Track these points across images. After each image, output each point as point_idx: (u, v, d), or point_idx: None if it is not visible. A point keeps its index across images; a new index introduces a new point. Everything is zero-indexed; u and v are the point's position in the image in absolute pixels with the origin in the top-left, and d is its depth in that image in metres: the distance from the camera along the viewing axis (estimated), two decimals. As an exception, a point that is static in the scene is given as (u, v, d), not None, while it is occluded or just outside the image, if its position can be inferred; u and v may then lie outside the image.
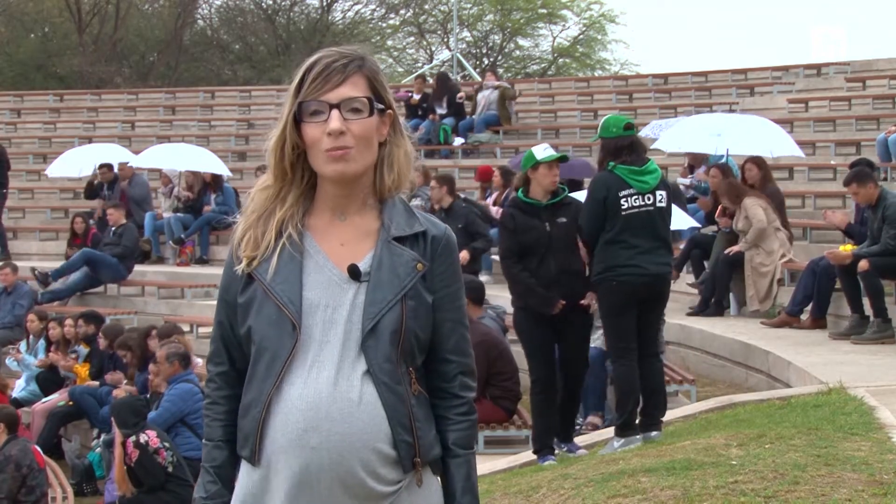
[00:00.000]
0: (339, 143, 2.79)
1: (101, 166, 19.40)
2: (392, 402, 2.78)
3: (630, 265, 7.86)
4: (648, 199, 7.91)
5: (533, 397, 8.27)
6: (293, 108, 2.82)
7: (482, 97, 21.69)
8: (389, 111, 2.87)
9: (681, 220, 12.14)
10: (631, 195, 7.89)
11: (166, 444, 9.38)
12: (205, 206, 18.82)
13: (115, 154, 20.15)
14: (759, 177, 13.23)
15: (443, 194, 13.58)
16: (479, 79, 26.56)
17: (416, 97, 22.14)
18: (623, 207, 7.87)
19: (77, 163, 19.85)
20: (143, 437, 9.28)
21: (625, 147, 7.96)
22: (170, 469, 9.28)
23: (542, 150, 8.26)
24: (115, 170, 19.33)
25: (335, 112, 2.79)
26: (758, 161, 13.52)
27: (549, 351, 8.28)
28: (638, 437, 7.85)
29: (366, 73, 2.84)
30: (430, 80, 25.38)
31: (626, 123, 8.05)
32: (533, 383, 8.24)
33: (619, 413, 8.14)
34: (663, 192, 8.00)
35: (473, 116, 21.63)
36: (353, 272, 2.81)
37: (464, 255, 12.65)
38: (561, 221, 8.13)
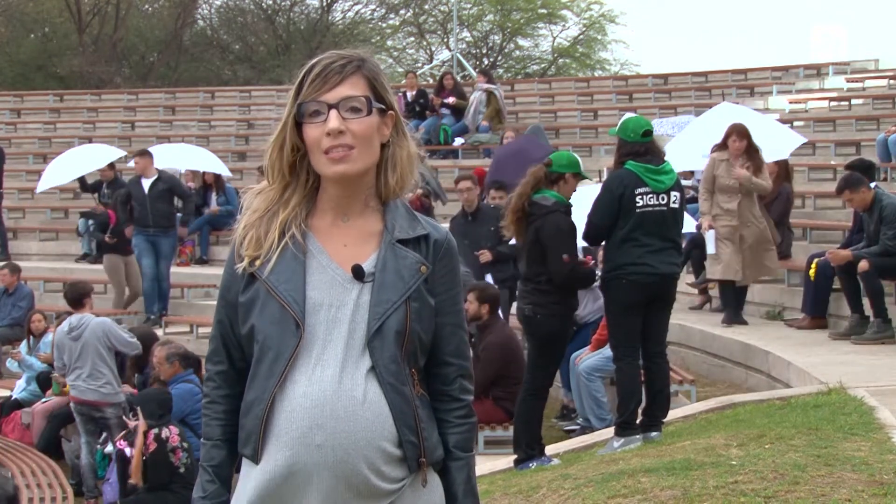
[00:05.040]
0: (338, 141, 2.79)
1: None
2: (398, 402, 2.78)
3: (640, 264, 7.87)
4: (662, 198, 7.93)
5: (536, 403, 8.20)
6: (293, 109, 2.83)
7: (473, 99, 21.63)
8: (391, 112, 2.87)
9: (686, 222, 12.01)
10: (646, 193, 7.90)
11: (184, 445, 9.27)
12: (211, 204, 18.80)
13: (106, 154, 19.97)
14: (776, 174, 12.85)
15: (476, 195, 12.86)
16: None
17: (424, 94, 22.06)
18: (638, 205, 7.88)
19: (70, 170, 19.22)
20: (165, 433, 9.21)
21: (639, 154, 7.98)
22: (181, 470, 9.19)
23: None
24: (124, 167, 19.29)
25: (333, 112, 2.79)
26: (778, 161, 13.34)
27: None
28: (638, 437, 7.85)
29: (365, 74, 2.84)
30: (431, 80, 25.32)
31: (644, 130, 8.01)
32: (540, 389, 8.21)
33: (619, 412, 8.13)
34: (677, 194, 8.01)
35: (464, 120, 21.55)
36: (357, 272, 2.81)
37: (487, 256, 12.19)
38: None
